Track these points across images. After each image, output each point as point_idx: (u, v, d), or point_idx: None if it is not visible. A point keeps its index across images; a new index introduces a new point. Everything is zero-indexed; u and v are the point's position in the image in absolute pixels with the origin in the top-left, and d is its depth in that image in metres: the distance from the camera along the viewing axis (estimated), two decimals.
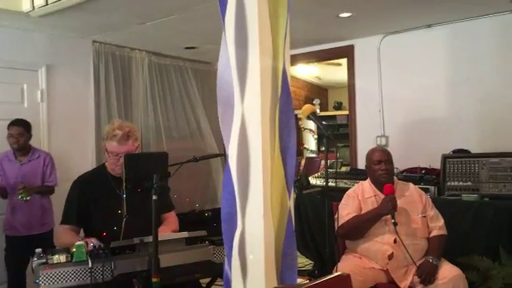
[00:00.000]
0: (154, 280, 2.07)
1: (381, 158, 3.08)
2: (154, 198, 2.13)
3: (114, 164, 2.63)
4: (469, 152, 3.95)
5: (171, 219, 2.85)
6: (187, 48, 5.19)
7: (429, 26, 4.45)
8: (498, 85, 4.11)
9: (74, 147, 4.54)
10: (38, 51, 4.38)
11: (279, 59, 1.38)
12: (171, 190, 2.91)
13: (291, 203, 1.40)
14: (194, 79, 5.76)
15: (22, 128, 3.75)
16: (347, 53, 5.09)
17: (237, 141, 1.40)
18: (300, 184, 2.42)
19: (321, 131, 2.67)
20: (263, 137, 1.36)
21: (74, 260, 2.12)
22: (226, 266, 1.46)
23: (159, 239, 2.11)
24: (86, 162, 4.44)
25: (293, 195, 1.42)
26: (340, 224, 3.03)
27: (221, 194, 1.50)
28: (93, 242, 2.27)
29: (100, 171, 2.77)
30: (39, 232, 3.77)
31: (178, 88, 5.57)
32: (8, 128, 3.75)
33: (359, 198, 3.12)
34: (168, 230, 2.68)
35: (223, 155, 1.60)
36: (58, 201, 3.16)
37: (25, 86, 4.32)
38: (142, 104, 5.19)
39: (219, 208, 1.58)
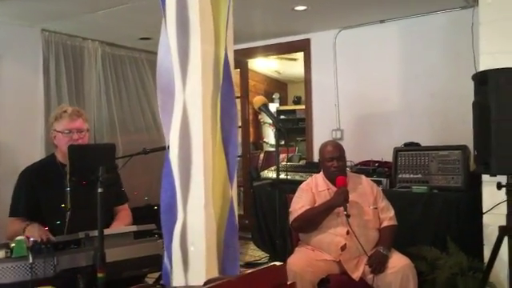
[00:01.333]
0: (99, 275, 2.00)
1: (333, 154, 3.11)
2: (100, 190, 2.06)
3: (66, 145, 2.51)
4: (419, 145, 4.04)
5: (124, 213, 2.78)
6: (142, 39, 5.07)
7: (382, 21, 4.53)
8: (447, 80, 4.23)
9: (22, 140, 4.36)
10: None
11: (221, 45, 1.34)
12: (123, 183, 2.84)
13: (234, 193, 1.37)
14: (150, 71, 5.62)
15: None
16: (304, 46, 5.13)
17: (178, 130, 1.35)
18: (250, 177, 2.40)
19: (277, 125, 2.66)
20: (204, 125, 1.32)
21: (13, 255, 2.02)
22: (166, 259, 1.42)
23: (106, 233, 2.05)
24: (34, 155, 4.25)
25: (235, 185, 1.40)
26: (294, 217, 3.05)
27: None
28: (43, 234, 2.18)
29: (49, 160, 2.67)
30: None
31: (133, 80, 5.45)
32: None
33: (313, 190, 3.14)
34: (120, 225, 2.61)
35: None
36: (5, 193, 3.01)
37: None
38: (96, 96, 5.04)
39: None
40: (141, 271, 2.33)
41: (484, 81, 2.71)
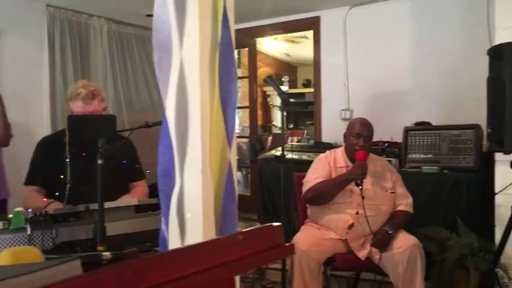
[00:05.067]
0: (99, 248, 1.97)
1: (361, 131, 2.94)
2: (100, 162, 2.03)
3: None
4: (430, 124, 3.94)
5: (140, 189, 2.73)
6: (148, 15, 4.97)
7: None
8: (460, 57, 4.09)
9: (27, 118, 4.30)
10: None
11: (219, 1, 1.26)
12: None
13: (233, 158, 1.30)
14: None
15: None
16: (313, 25, 5.00)
17: (175, 89, 1.28)
18: (253, 149, 2.34)
19: (282, 97, 2.59)
20: (202, 85, 1.25)
21: (11, 227, 1.98)
22: (163, 226, 1.36)
23: (107, 206, 2.01)
24: (40, 134, 4.22)
25: (235, 149, 1.33)
26: (307, 188, 2.95)
27: None
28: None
29: (63, 133, 2.65)
30: None
31: (139, 58, 5.37)
32: None
33: (331, 164, 3.01)
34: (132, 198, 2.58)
35: None
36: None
37: None
38: (102, 74, 4.97)
39: None
40: (143, 245, 2.29)
41: (499, 55, 2.61)
